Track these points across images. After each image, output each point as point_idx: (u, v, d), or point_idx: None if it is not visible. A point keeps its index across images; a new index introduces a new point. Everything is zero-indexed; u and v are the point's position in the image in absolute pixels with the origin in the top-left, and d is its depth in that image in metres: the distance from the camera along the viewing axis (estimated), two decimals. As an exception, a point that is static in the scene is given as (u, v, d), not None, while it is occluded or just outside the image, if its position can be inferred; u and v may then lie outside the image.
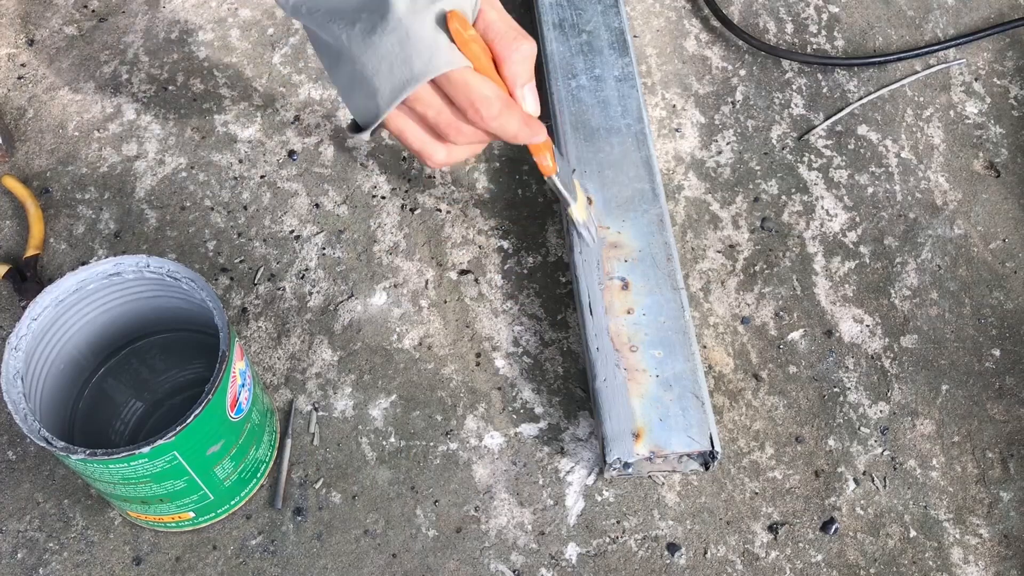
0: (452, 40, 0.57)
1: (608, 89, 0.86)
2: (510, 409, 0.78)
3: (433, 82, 0.57)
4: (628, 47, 0.88)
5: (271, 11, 0.97)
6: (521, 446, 0.76)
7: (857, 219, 0.87)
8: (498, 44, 0.58)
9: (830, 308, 0.82)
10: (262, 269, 0.83)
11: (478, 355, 0.80)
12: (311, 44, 0.64)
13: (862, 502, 0.74)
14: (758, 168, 0.89)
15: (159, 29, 0.96)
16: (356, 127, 0.64)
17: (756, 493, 0.75)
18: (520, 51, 0.59)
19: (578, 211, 0.74)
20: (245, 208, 0.86)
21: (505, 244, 0.85)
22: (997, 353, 0.81)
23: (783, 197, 0.88)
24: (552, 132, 0.86)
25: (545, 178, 0.69)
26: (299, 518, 0.73)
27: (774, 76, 0.95)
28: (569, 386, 0.79)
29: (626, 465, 0.71)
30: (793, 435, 0.77)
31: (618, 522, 0.73)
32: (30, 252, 0.82)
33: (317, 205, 0.87)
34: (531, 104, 0.61)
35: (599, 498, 0.74)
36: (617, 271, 0.77)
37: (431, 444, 0.76)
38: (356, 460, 0.75)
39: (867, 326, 0.82)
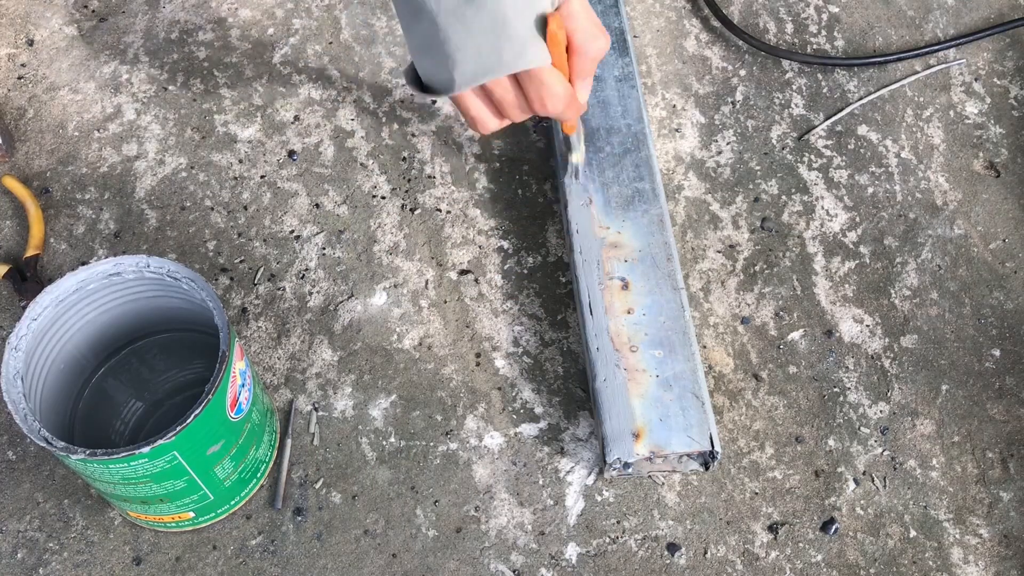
0: (543, 36, 0.58)
1: (608, 89, 0.86)
2: (510, 409, 0.78)
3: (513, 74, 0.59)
4: (628, 47, 0.88)
5: (271, 11, 0.97)
6: (521, 446, 0.76)
7: (857, 219, 0.87)
8: (578, 36, 0.60)
9: (830, 308, 0.82)
10: (262, 269, 0.83)
11: (478, 355, 0.80)
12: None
13: (862, 502, 0.74)
14: (758, 168, 0.89)
15: (159, 29, 0.96)
16: (416, 80, 0.64)
17: (756, 493, 0.75)
18: (597, 46, 0.60)
19: (580, 155, 0.79)
20: (245, 208, 0.86)
21: (505, 244, 0.85)
22: (997, 353, 0.81)
23: (783, 197, 0.88)
24: (552, 132, 0.86)
25: (565, 134, 0.75)
26: (299, 518, 0.73)
27: (774, 76, 0.95)
28: (569, 386, 0.79)
29: (626, 465, 0.71)
30: (793, 435, 0.77)
31: (618, 522, 0.73)
32: (30, 252, 0.82)
33: (317, 205, 0.87)
34: (584, 95, 0.64)
35: (599, 498, 0.74)
36: (617, 271, 0.77)
37: (431, 444, 0.76)
38: (356, 460, 0.75)
39: (867, 326, 0.82)
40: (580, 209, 0.80)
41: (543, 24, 0.57)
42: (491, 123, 0.64)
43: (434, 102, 0.65)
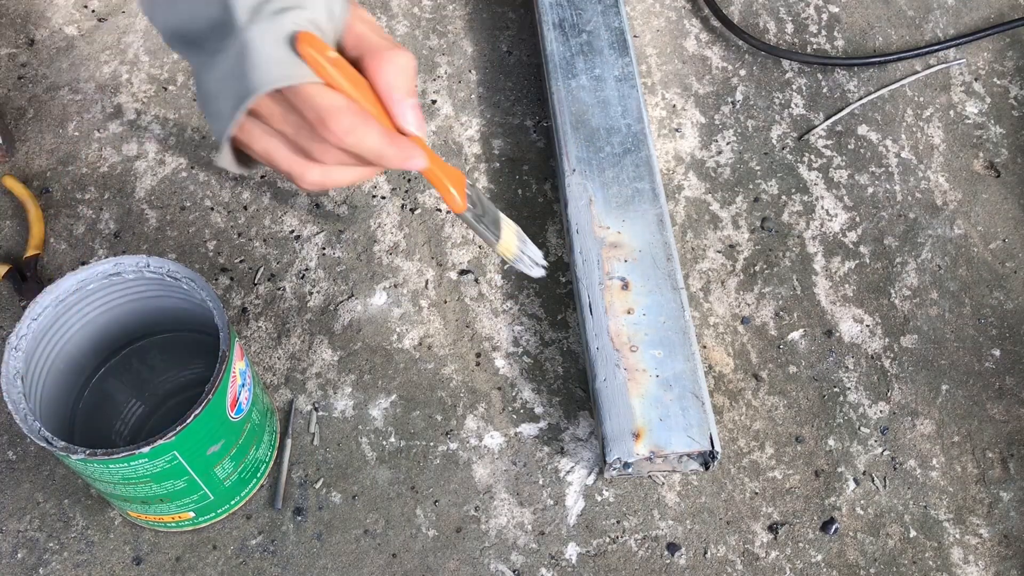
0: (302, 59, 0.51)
1: (608, 89, 0.86)
2: (510, 409, 0.78)
3: (284, 98, 0.52)
4: (628, 47, 0.88)
5: (271, 11, 0.97)
6: (521, 446, 0.76)
7: (857, 219, 0.87)
8: (369, 57, 0.53)
9: (830, 308, 0.82)
10: (262, 269, 0.83)
11: (478, 355, 0.80)
12: None
13: (862, 502, 0.74)
14: (758, 168, 0.89)
15: (159, 29, 0.96)
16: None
17: (756, 493, 0.75)
18: (395, 61, 0.53)
19: (505, 248, 0.63)
20: (245, 208, 0.86)
21: (505, 244, 0.85)
22: (997, 353, 0.81)
23: (783, 197, 0.88)
24: (552, 132, 0.86)
25: (456, 215, 0.59)
26: (299, 518, 0.73)
27: (774, 76, 0.95)
28: (569, 386, 0.79)
29: (626, 465, 0.71)
30: (793, 435, 0.77)
31: (618, 522, 0.73)
32: (30, 252, 0.82)
33: (317, 205, 0.87)
34: (412, 121, 0.54)
35: (599, 498, 0.74)
36: (617, 271, 0.77)
37: (431, 444, 0.76)
38: (356, 460, 0.75)
39: (867, 326, 0.82)
40: (580, 209, 0.80)
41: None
42: (307, 171, 0.55)
43: (247, 166, 0.59)
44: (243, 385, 0.65)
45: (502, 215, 0.63)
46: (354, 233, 0.85)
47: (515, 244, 0.63)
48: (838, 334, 0.81)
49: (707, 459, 0.71)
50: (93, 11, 0.97)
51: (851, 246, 0.85)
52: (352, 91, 0.52)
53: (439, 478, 0.75)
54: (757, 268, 0.84)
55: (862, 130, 0.92)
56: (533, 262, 0.65)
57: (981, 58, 0.97)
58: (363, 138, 0.52)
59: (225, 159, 0.56)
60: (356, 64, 0.53)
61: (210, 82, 0.53)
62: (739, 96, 0.94)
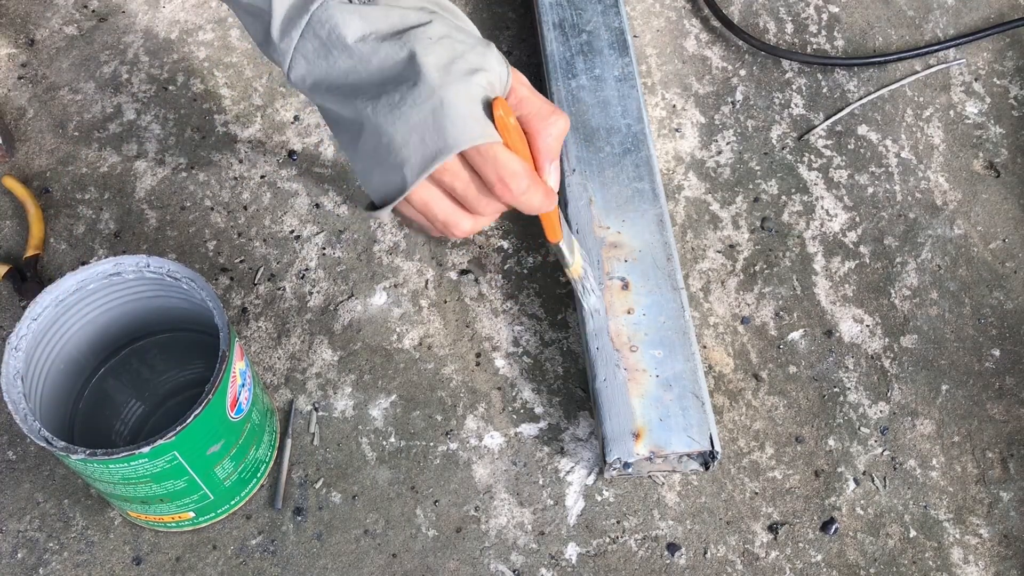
0: (491, 119, 0.56)
1: (608, 89, 0.86)
2: (510, 409, 0.78)
3: (462, 156, 0.56)
4: (628, 47, 0.88)
5: (271, 11, 0.97)
6: (521, 446, 0.76)
7: (857, 219, 0.87)
8: (533, 120, 0.58)
9: (830, 308, 0.82)
10: (262, 269, 0.83)
11: (478, 355, 0.80)
12: (326, 123, 0.61)
13: (862, 502, 0.74)
14: (758, 168, 0.89)
15: (159, 29, 0.96)
16: (374, 206, 0.61)
17: (756, 493, 0.75)
18: (556, 126, 0.59)
19: (575, 271, 0.72)
20: (245, 208, 0.86)
21: (505, 244, 0.85)
22: (997, 353, 0.81)
23: (783, 197, 0.88)
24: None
25: (550, 244, 0.69)
26: (299, 518, 0.73)
27: (774, 76, 0.95)
28: (569, 386, 0.79)
29: (626, 465, 0.71)
30: (793, 435, 0.77)
31: (618, 522, 0.73)
32: (30, 252, 0.82)
33: (317, 205, 0.87)
34: (553, 179, 0.61)
35: (599, 498, 0.74)
36: (617, 271, 0.77)
37: (431, 444, 0.76)
38: (356, 460, 0.75)
39: (867, 326, 0.82)
40: (580, 209, 0.80)
41: (488, 110, 0.56)
42: (463, 222, 0.60)
43: (394, 213, 0.62)
44: (243, 385, 0.65)
45: (574, 239, 0.72)
46: (354, 233, 0.85)
47: (581, 265, 0.72)
48: (838, 334, 0.81)
49: (707, 459, 0.71)
50: (93, 11, 0.97)
51: (851, 246, 0.85)
52: (523, 153, 0.58)
53: (439, 478, 0.75)
54: (757, 268, 0.84)
55: (862, 130, 0.92)
56: (591, 290, 0.74)
57: (981, 58, 0.97)
58: (531, 198, 0.58)
59: (386, 211, 0.59)
60: (519, 122, 0.59)
61: (396, 133, 0.55)
62: (739, 96, 0.94)
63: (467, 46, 0.56)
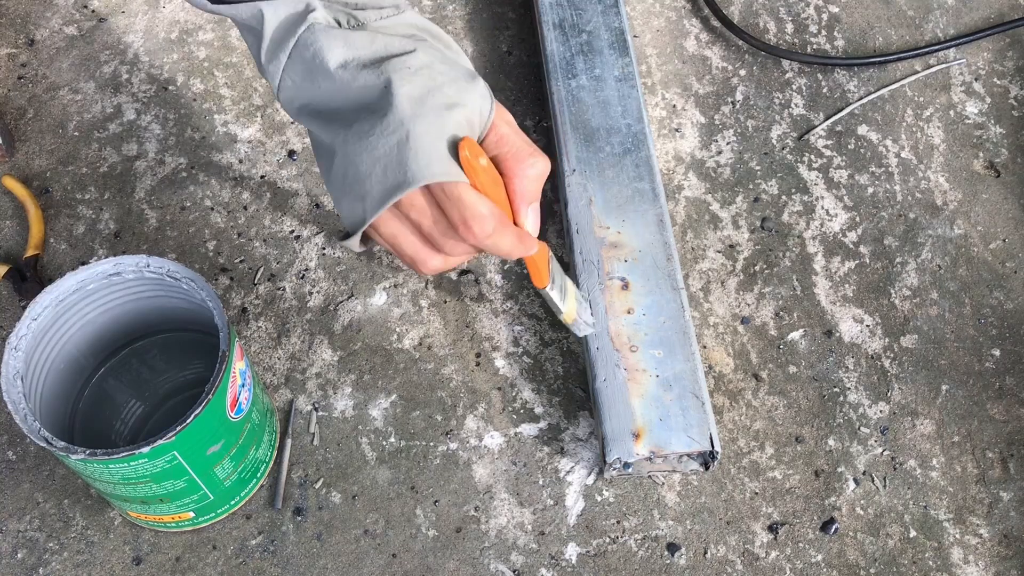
0: (458, 162, 0.54)
1: (608, 89, 0.86)
2: (510, 409, 0.78)
3: (429, 192, 0.55)
4: (628, 47, 0.88)
5: (271, 11, 0.97)
6: (521, 446, 0.76)
7: (857, 219, 0.87)
8: (510, 160, 0.56)
9: (830, 308, 0.82)
10: (262, 269, 0.83)
11: (478, 355, 0.80)
12: (312, 149, 0.60)
13: (862, 502, 0.74)
14: (758, 168, 0.89)
15: (159, 29, 0.96)
16: (347, 235, 0.60)
17: (756, 493, 0.75)
18: (534, 168, 0.57)
19: (568, 316, 0.70)
20: (245, 208, 0.86)
21: (505, 244, 0.85)
22: (997, 353, 0.81)
23: (783, 197, 0.88)
24: (552, 132, 0.86)
25: (537, 289, 0.67)
26: (299, 518, 0.73)
27: (774, 76, 0.95)
28: (569, 386, 0.79)
29: (626, 465, 0.71)
30: (793, 435, 0.77)
31: (618, 522, 0.73)
32: (30, 252, 0.82)
33: (317, 205, 0.87)
34: (531, 223, 0.59)
35: (599, 498, 0.74)
36: (617, 271, 0.77)
37: (431, 444, 0.76)
38: (356, 460, 0.75)
39: (867, 326, 0.82)
40: (580, 209, 0.80)
41: (455, 149, 0.54)
42: (430, 259, 0.58)
43: (365, 245, 0.61)
44: (243, 385, 0.65)
45: (568, 281, 0.70)
46: (354, 233, 0.85)
47: (575, 310, 0.70)
48: (838, 334, 0.81)
49: (707, 459, 0.71)
50: (93, 11, 0.97)
51: (851, 246, 0.85)
52: (494, 194, 0.56)
53: (439, 478, 0.75)
54: (757, 268, 0.84)
55: (862, 130, 0.92)
56: (587, 324, 0.72)
57: (981, 58, 0.97)
58: (499, 241, 0.56)
59: (354, 241, 0.58)
60: (496, 161, 0.56)
61: (361, 163, 0.54)
62: (739, 96, 0.94)
63: (447, 79, 0.54)
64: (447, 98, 0.54)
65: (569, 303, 0.69)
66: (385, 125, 0.53)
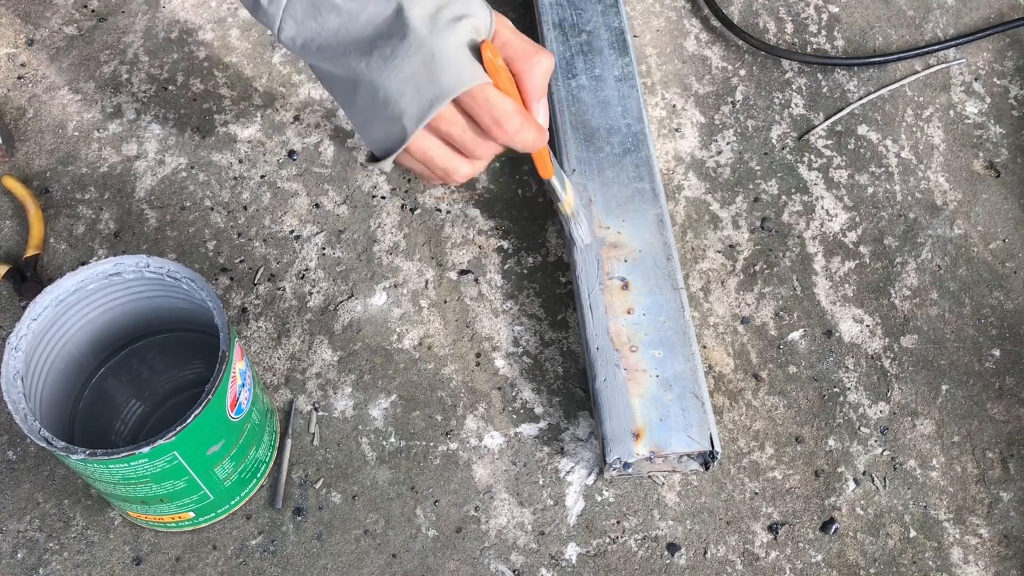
0: (480, 63, 0.58)
1: (608, 89, 0.86)
2: (510, 409, 0.78)
3: (456, 102, 0.58)
4: (628, 47, 0.88)
5: (271, 11, 0.97)
6: (521, 446, 0.76)
7: (857, 219, 0.87)
8: (518, 61, 0.60)
9: (830, 308, 0.82)
10: (262, 269, 0.83)
11: (478, 355, 0.80)
12: (320, 82, 0.64)
13: (862, 502, 0.74)
14: (758, 168, 0.89)
15: (159, 29, 0.96)
16: (374, 158, 0.64)
17: (756, 493, 0.75)
18: (540, 65, 0.60)
19: (567, 205, 0.74)
20: (245, 208, 0.86)
21: (505, 244, 0.85)
22: (997, 353, 0.81)
23: (783, 197, 0.88)
24: (552, 132, 0.86)
25: (543, 180, 0.71)
26: (299, 518, 0.73)
27: (774, 76, 0.95)
28: (569, 386, 0.79)
29: (626, 465, 0.71)
30: (793, 435, 0.77)
31: (618, 522, 0.73)
32: (30, 252, 0.82)
33: (317, 205, 0.87)
34: (543, 116, 0.62)
35: (599, 498, 0.74)
36: (617, 271, 0.77)
37: (431, 444, 0.76)
38: (356, 460, 0.75)
39: (867, 326, 0.82)
40: (580, 209, 0.80)
41: (476, 53, 0.58)
42: (462, 167, 0.63)
43: (396, 164, 0.64)
44: (243, 385, 0.65)
45: (566, 177, 0.73)
46: (354, 233, 0.85)
47: (574, 203, 0.74)
48: (838, 334, 0.81)
49: (707, 459, 0.71)
50: (93, 11, 0.97)
51: (851, 246, 0.85)
52: (512, 92, 0.60)
53: (439, 478, 0.75)
54: (757, 268, 0.84)
55: (862, 130, 0.92)
56: (581, 222, 0.75)
57: (981, 58, 0.97)
58: (526, 136, 0.60)
59: (387, 162, 0.62)
60: (505, 63, 0.60)
61: (390, 86, 0.58)
62: (739, 96, 0.94)
63: None
64: (455, 12, 0.57)
65: (568, 194, 0.73)
66: (407, 47, 0.56)
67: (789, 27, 0.98)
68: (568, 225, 0.77)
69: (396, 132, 0.60)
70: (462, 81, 0.57)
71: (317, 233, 0.85)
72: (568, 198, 0.74)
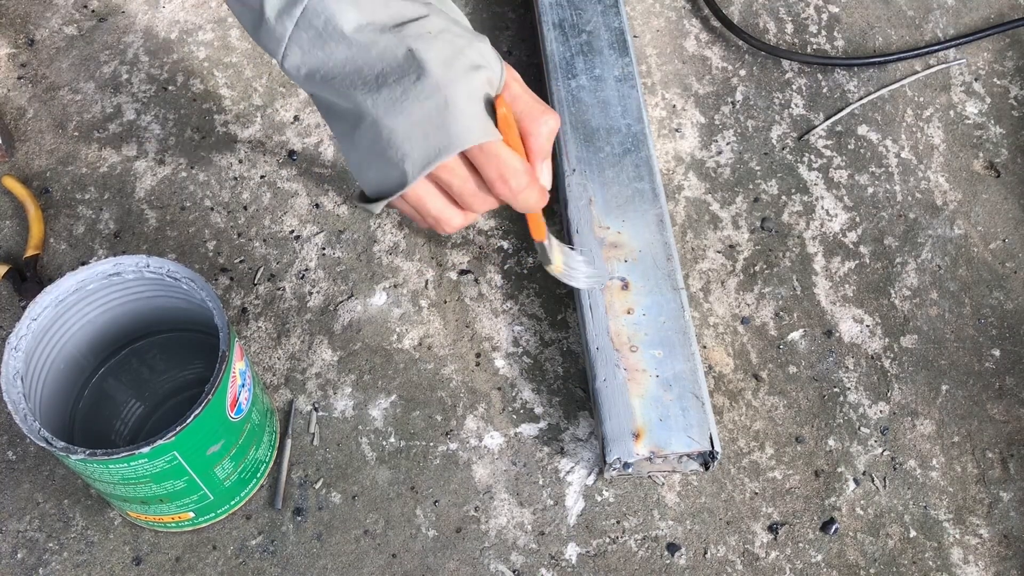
0: (492, 116, 0.56)
1: (608, 89, 0.86)
2: (510, 409, 0.78)
3: (462, 153, 0.57)
4: (628, 47, 0.88)
5: (271, 11, 0.97)
6: (521, 446, 0.76)
7: (857, 219, 0.87)
8: (525, 119, 0.58)
9: (830, 308, 0.82)
10: (262, 269, 0.83)
11: (478, 355, 0.80)
12: (320, 113, 0.61)
13: (862, 502, 0.74)
14: (758, 168, 0.89)
15: (159, 29, 0.96)
16: (365, 198, 0.62)
17: (756, 493, 0.75)
18: (547, 125, 0.59)
19: (556, 269, 0.71)
20: (245, 208, 0.86)
21: (505, 244, 0.85)
22: (997, 353, 0.81)
23: (783, 197, 0.88)
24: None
25: (535, 242, 0.69)
26: (299, 518, 0.73)
27: (774, 76, 0.95)
28: (569, 386, 0.79)
29: (626, 465, 0.71)
30: (793, 435, 0.77)
31: (618, 522, 0.73)
32: (30, 252, 0.82)
33: (317, 205, 0.87)
34: (546, 178, 0.61)
35: (599, 498, 0.74)
36: (617, 271, 0.77)
37: (431, 444, 0.76)
38: (356, 460, 0.75)
39: (867, 326, 0.82)
40: (580, 209, 0.80)
41: (489, 107, 0.56)
42: (455, 218, 0.61)
43: (386, 207, 0.62)
44: (243, 385, 0.65)
45: (555, 240, 0.71)
46: (354, 233, 0.85)
47: (562, 262, 0.71)
48: (838, 334, 0.81)
49: (707, 459, 0.71)
50: (93, 11, 0.97)
51: (851, 246, 0.85)
52: (519, 149, 0.58)
53: (439, 478, 0.75)
54: (757, 268, 0.84)
55: (862, 130, 0.92)
56: (580, 270, 0.72)
57: (981, 58, 0.97)
58: (529, 196, 0.58)
59: (378, 204, 0.59)
60: None
61: (396, 128, 0.55)
62: (739, 96, 0.94)
63: (465, 41, 0.56)
64: (472, 60, 0.55)
65: (556, 256, 0.71)
66: (420, 90, 0.54)
67: (789, 27, 0.98)
68: (563, 280, 0.73)
69: (395, 176, 0.57)
70: (474, 134, 0.55)
71: (317, 233, 0.85)
72: (556, 260, 0.71)
